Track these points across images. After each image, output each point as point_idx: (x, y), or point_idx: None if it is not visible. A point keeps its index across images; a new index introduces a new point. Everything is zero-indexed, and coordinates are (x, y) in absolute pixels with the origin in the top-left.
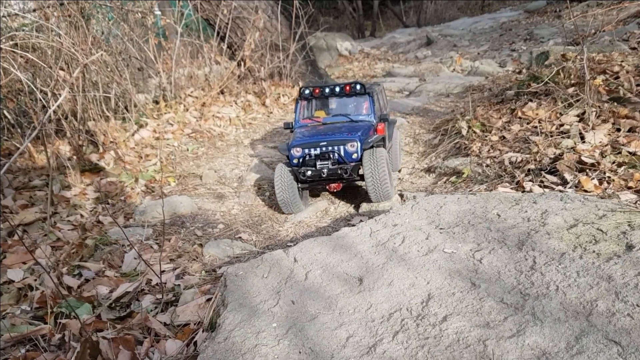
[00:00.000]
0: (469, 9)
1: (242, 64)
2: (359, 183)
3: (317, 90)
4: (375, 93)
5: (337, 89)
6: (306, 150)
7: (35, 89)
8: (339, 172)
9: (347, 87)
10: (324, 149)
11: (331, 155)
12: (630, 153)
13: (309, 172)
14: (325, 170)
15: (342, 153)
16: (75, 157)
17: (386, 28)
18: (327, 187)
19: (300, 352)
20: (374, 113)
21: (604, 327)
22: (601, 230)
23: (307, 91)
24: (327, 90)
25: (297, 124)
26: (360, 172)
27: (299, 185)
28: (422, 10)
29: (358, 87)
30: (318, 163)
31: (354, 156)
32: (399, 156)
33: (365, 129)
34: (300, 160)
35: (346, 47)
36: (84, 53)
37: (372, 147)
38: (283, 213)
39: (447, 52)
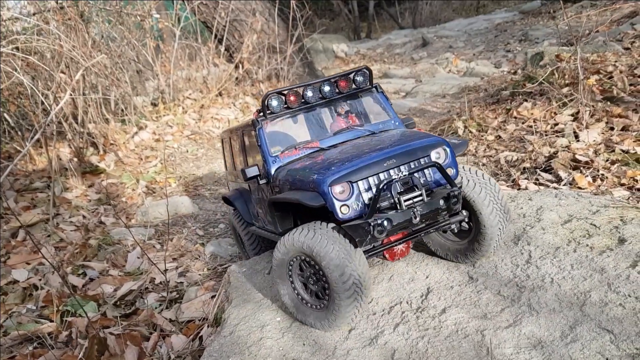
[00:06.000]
0: (464, 10)
1: (240, 66)
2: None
3: (292, 97)
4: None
5: (327, 88)
6: (362, 183)
7: (37, 92)
8: (442, 207)
9: (343, 82)
10: (396, 171)
11: (416, 181)
12: (623, 151)
13: (395, 221)
14: (417, 211)
15: (429, 172)
16: (76, 159)
17: (382, 30)
18: (387, 255)
19: (304, 344)
20: (395, 115)
21: (597, 317)
22: (595, 225)
23: (274, 102)
24: (309, 93)
25: (273, 163)
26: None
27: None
28: (418, 12)
29: (360, 78)
30: (403, 198)
31: (451, 172)
32: None
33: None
34: (361, 205)
35: (342, 49)
36: (84, 56)
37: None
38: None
39: (442, 54)
